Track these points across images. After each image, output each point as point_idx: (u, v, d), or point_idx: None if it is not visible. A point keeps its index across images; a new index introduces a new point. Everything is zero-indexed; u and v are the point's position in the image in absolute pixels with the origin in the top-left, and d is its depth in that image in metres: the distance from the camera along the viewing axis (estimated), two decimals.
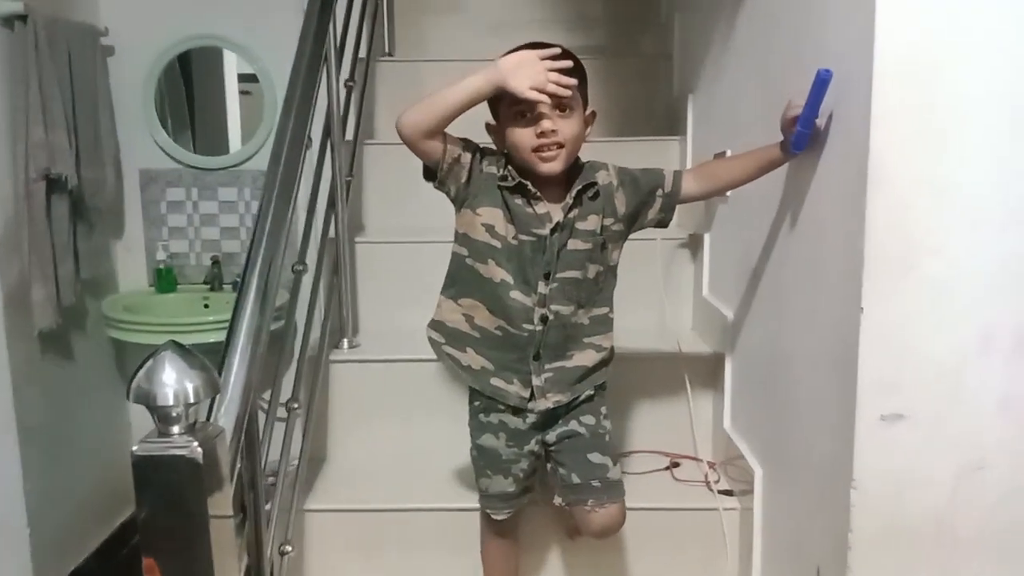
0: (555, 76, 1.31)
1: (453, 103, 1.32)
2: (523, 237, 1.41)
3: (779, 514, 1.52)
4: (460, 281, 1.48)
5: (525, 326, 1.44)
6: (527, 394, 1.47)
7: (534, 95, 1.30)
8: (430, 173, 1.42)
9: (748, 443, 1.69)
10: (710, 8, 2.03)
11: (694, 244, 2.15)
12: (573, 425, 1.50)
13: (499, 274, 1.43)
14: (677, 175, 1.50)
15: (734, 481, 1.74)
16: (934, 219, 1.11)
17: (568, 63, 1.34)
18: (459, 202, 1.44)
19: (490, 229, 1.42)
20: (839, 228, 1.20)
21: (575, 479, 1.49)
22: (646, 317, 2.11)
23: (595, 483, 1.49)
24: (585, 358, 1.49)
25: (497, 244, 1.42)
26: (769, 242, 1.54)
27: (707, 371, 1.91)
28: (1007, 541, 1.17)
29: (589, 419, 1.51)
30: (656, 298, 2.10)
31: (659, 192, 1.49)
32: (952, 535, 1.17)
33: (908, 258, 1.11)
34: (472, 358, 1.48)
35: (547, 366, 1.47)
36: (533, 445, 1.51)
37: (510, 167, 1.41)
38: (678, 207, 1.52)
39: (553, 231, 1.41)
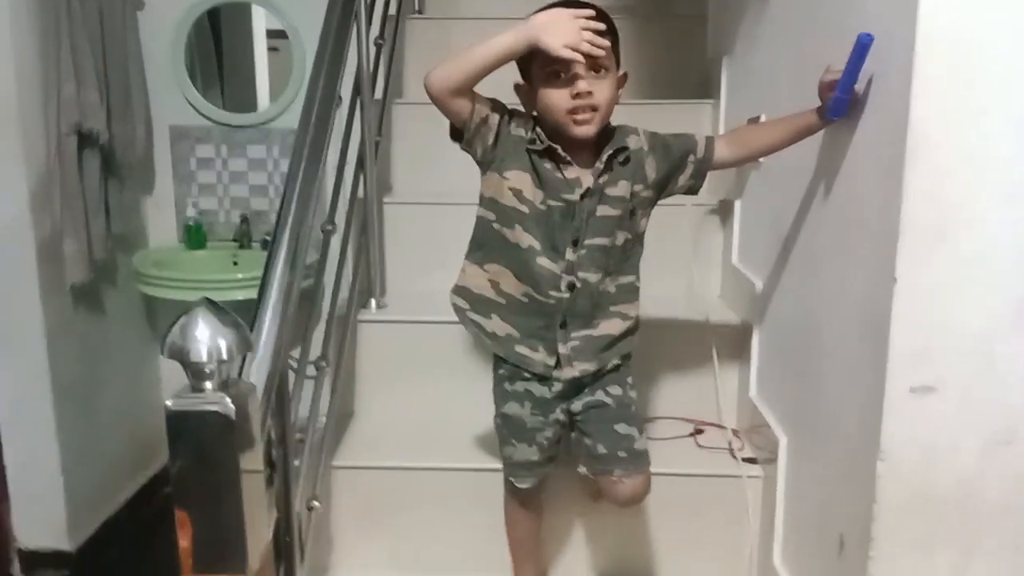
0: (589, 35, 1.28)
1: (483, 60, 1.31)
2: (552, 202, 1.40)
3: (803, 483, 1.52)
4: (486, 246, 1.46)
5: (552, 293, 1.43)
6: (552, 362, 1.47)
7: (568, 53, 1.27)
8: (457, 133, 1.41)
9: (773, 412, 1.68)
10: None
11: (724, 211, 2.13)
12: (599, 395, 1.50)
13: (526, 240, 1.41)
14: (709, 141, 1.48)
15: (758, 449, 1.75)
16: (971, 190, 1.09)
17: (601, 25, 1.31)
18: (485, 164, 1.43)
19: (518, 194, 1.40)
20: (875, 197, 1.18)
21: (601, 449, 1.49)
22: (674, 284, 2.10)
23: (621, 454, 1.49)
24: (611, 326, 1.48)
25: (525, 209, 1.40)
26: (802, 210, 1.52)
27: (734, 339, 1.90)
28: None
29: (616, 389, 1.51)
30: (684, 265, 2.08)
31: (691, 158, 1.47)
32: (978, 507, 1.16)
33: (943, 228, 1.10)
34: (497, 324, 1.48)
35: (573, 334, 1.46)
36: (559, 414, 1.51)
37: (539, 130, 1.39)
38: (709, 173, 1.51)
39: (583, 197, 1.39)
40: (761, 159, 1.79)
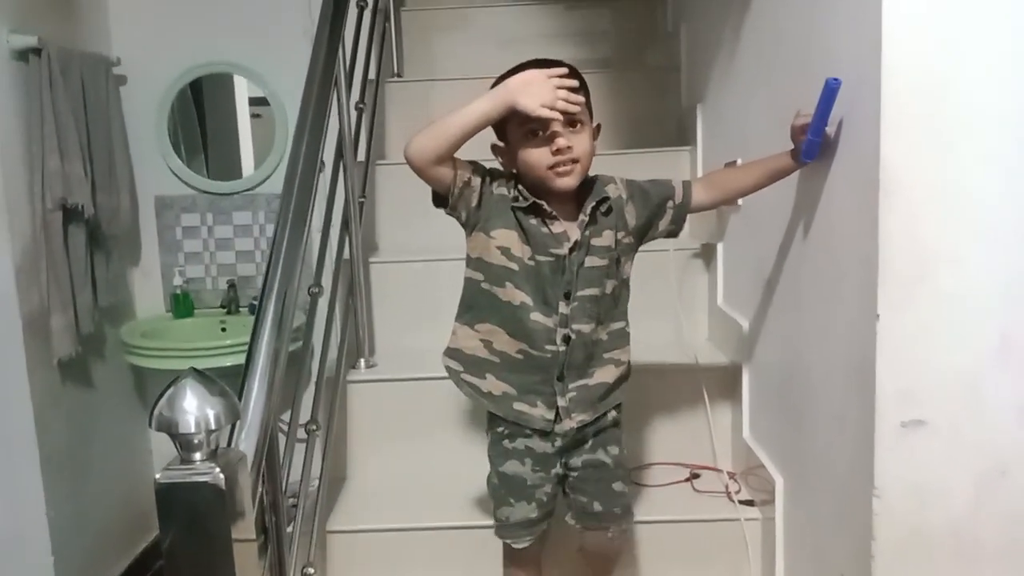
0: (564, 93, 1.30)
1: (462, 128, 1.31)
2: (540, 258, 1.40)
3: (801, 523, 1.51)
4: (476, 306, 1.46)
5: (548, 347, 1.43)
6: (551, 416, 1.46)
7: (547, 113, 1.29)
8: (440, 199, 1.41)
9: (768, 453, 1.68)
10: (716, 18, 2.03)
11: (707, 254, 2.15)
12: (600, 454, 1.50)
13: (518, 297, 1.41)
14: (687, 185, 1.51)
15: (755, 491, 1.74)
16: (947, 228, 1.11)
17: (575, 82, 1.34)
18: (471, 226, 1.43)
19: (506, 252, 1.41)
20: (852, 237, 1.20)
21: (598, 507, 1.49)
22: (662, 329, 2.10)
23: (616, 510, 1.50)
24: (606, 374, 1.48)
25: (514, 266, 1.41)
26: (783, 251, 1.54)
27: (725, 382, 1.91)
28: None
29: (614, 449, 1.51)
30: (671, 310, 2.09)
31: (669, 203, 1.50)
32: (974, 543, 1.16)
33: (922, 267, 1.11)
34: (493, 384, 1.47)
35: (570, 386, 1.45)
36: (558, 468, 1.51)
37: (520, 187, 1.41)
38: (690, 215, 1.53)
39: (572, 250, 1.40)
40: (740, 201, 1.82)
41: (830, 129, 1.27)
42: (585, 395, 1.47)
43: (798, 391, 1.49)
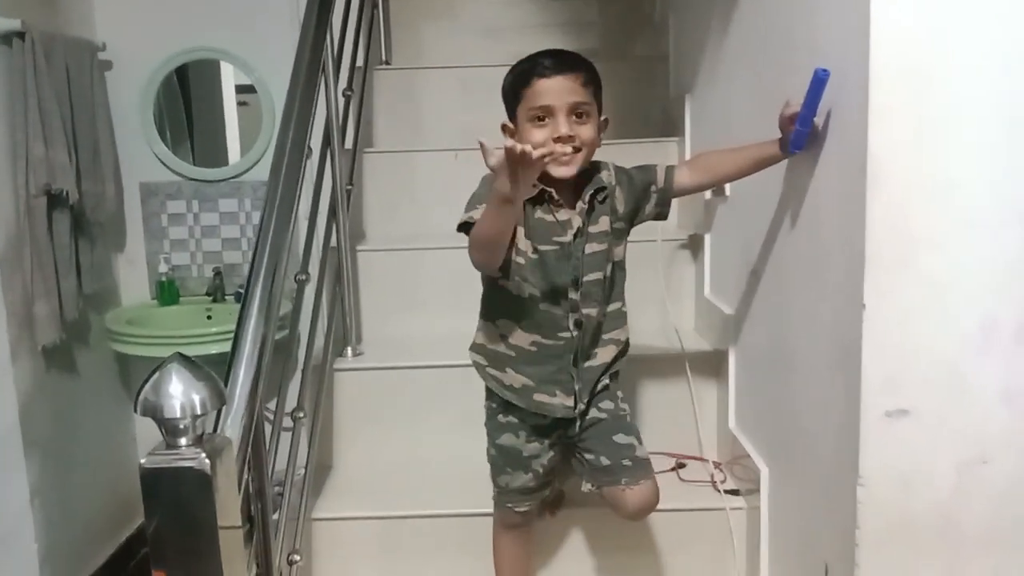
0: (531, 150, 1.20)
1: (501, 234, 1.32)
2: (543, 248, 1.43)
3: (786, 513, 1.52)
4: (492, 302, 1.50)
5: (561, 335, 1.46)
6: (571, 403, 1.48)
7: (539, 153, 1.20)
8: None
9: (753, 442, 1.69)
10: (704, 8, 2.03)
11: (695, 245, 2.16)
12: (593, 412, 1.52)
13: (526, 289, 1.44)
14: (669, 170, 1.53)
15: (740, 480, 1.75)
16: (932, 215, 1.12)
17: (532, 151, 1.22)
18: None
19: (515, 247, 1.43)
20: (839, 226, 1.21)
21: (604, 461, 1.50)
22: (648, 319, 2.11)
23: (626, 462, 1.50)
24: (606, 354, 1.52)
25: (521, 260, 1.44)
26: (769, 241, 1.54)
27: (711, 371, 1.92)
28: (1013, 534, 1.17)
29: (607, 404, 1.53)
30: (658, 299, 2.10)
31: (653, 188, 1.52)
32: (958, 529, 1.17)
33: (907, 254, 1.12)
34: (513, 377, 1.50)
35: (582, 368, 1.49)
36: (555, 439, 1.53)
37: None
38: (678, 206, 1.54)
39: (575, 236, 1.43)
40: (727, 191, 1.83)
41: (818, 119, 1.27)
42: (590, 376, 1.51)
43: (783, 381, 1.50)
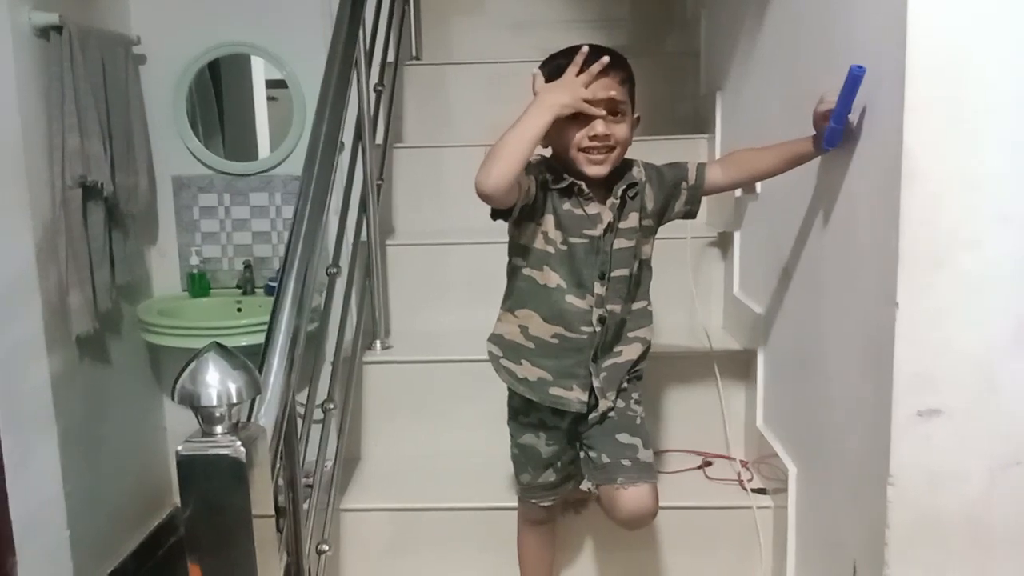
0: (593, 80, 1.32)
1: (529, 142, 1.29)
2: (572, 240, 1.42)
3: (813, 511, 1.51)
4: (517, 292, 1.49)
5: (584, 329, 1.45)
6: (586, 397, 1.48)
7: (586, 107, 1.31)
8: (500, 213, 1.41)
9: (781, 441, 1.68)
10: (737, 5, 2.02)
11: (724, 242, 2.15)
12: (602, 409, 1.51)
13: (554, 279, 1.44)
14: (700, 167, 1.52)
15: (767, 479, 1.74)
16: (967, 213, 1.10)
17: (604, 59, 1.33)
18: (518, 216, 1.42)
19: (544, 235, 1.43)
20: (873, 223, 1.20)
21: (604, 459, 1.48)
22: (677, 316, 2.10)
23: (625, 462, 1.46)
24: (632, 351, 1.51)
25: (551, 249, 1.43)
26: (801, 238, 1.53)
27: (739, 369, 1.91)
28: None
29: (619, 403, 1.51)
30: (687, 297, 2.09)
31: (684, 185, 1.52)
32: (989, 530, 1.16)
33: (942, 252, 1.11)
34: (528, 370, 1.49)
35: (603, 365, 1.49)
36: (572, 438, 1.53)
37: (555, 166, 1.43)
38: (707, 203, 1.53)
39: (606, 231, 1.43)
40: (758, 189, 1.82)
41: (853, 116, 1.26)
42: (614, 373, 1.50)
43: (813, 379, 1.49)
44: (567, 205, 1.43)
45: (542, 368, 1.48)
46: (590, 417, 1.50)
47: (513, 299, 1.50)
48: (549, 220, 1.43)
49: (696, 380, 1.92)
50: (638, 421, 1.52)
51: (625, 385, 1.52)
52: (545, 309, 1.45)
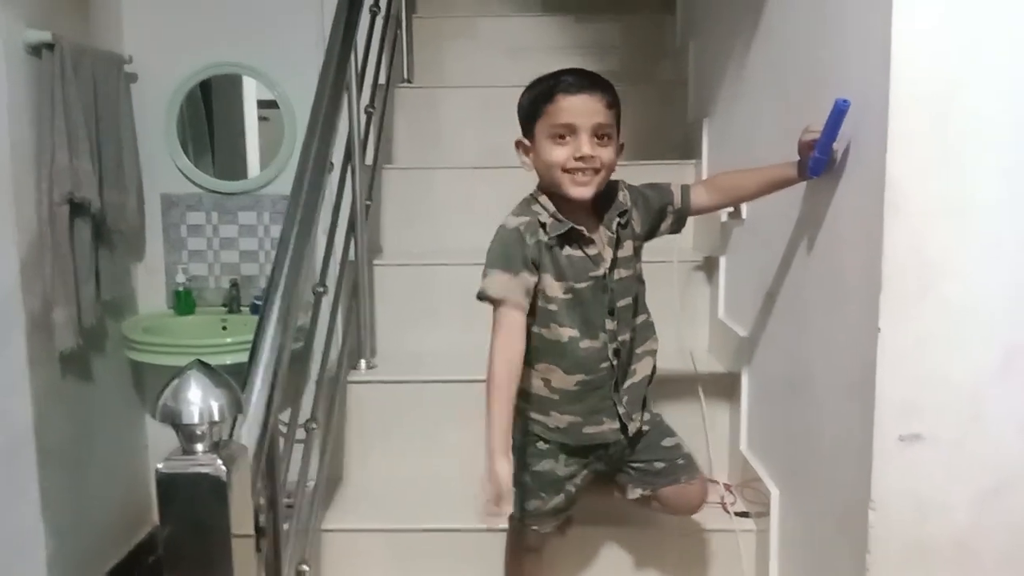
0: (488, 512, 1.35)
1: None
2: (578, 285, 1.43)
3: (796, 536, 1.51)
4: (533, 347, 1.47)
5: (602, 367, 1.46)
6: (618, 425, 1.49)
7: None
8: None
9: (764, 465, 1.68)
10: (725, 35, 2.05)
11: (709, 266, 2.16)
12: (633, 427, 1.52)
13: (565, 333, 1.44)
14: (685, 189, 1.54)
15: (750, 503, 1.74)
16: (951, 241, 1.12)
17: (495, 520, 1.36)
18: None
19: (543, 294, 1.43)
20: (857, 251, 1.21)
21: (659, 465, 1.53)
22: (662, 339, 2.07)
23: (680, 461, 1.54)
24: (645, 367, 1.54)
25: (553, 307, 1.43)
26: (785, 264, 1.55)
27: (723, 392, 1.91)
28: None
29: (645, 415, 1.54)
30: (672, 321, 2.09)
31: (669, 208, 1.54)
32: (973, 558, 1.17)
33: (925, 280, 1.12)
34: (558, 419, 1.49)
35: (623, 391, 1.50)
36: (592, 459, 1.53)
37: (543, 202, 1.43)
38: (693, 228, 1.55)
39: (610, 268, 1.44)
40: (743, 214, 1.83)
41: (837, 146, 1.28)
42: (635, 393, 1.52)
43: (797, 404, 1.50)
44: (568, 250, 1.42)
45: (571, 414, 1.48)
46: (625, 441, 1.51)
47: (531, 353, 1.46)
48: (547, 279, 1.42)
49: (681, 402, 1.92)
50: (664, 422, 1.58)
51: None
52: (564, 361, 1.46)
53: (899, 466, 1.15)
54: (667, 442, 1.55)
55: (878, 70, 1.12)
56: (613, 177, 1.48)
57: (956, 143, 1.11)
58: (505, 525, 1.43)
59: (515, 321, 1.38)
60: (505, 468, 1.32)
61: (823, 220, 1.35)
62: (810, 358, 1.43)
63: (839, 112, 1.23)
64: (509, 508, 1.33)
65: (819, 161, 1.29)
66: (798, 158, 1.36)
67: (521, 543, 1.62)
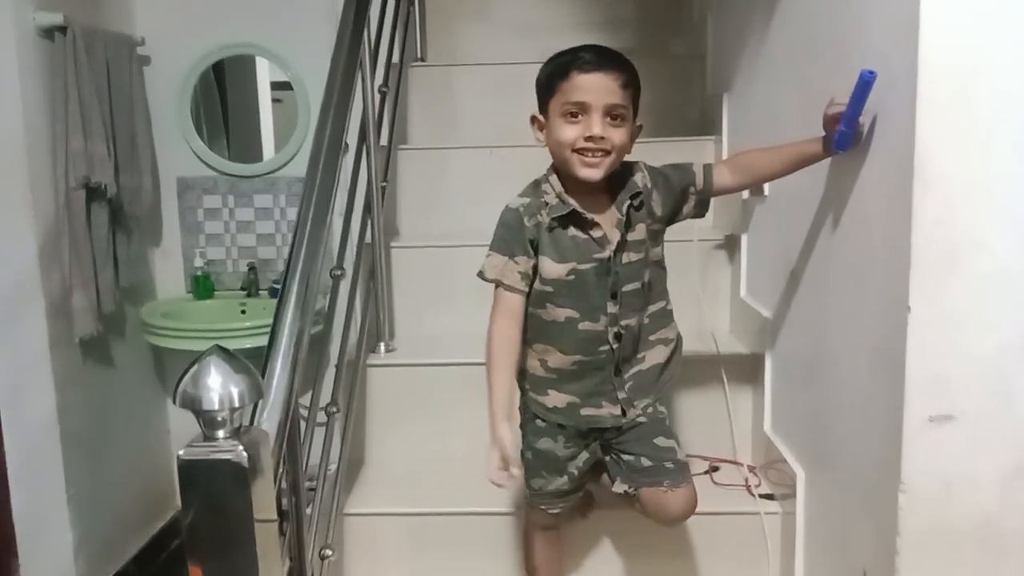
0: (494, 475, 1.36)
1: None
2: (581, 267, 1.41)
3: (822, 517, 1.49)
4: (530, 328, 1.46)
5: (601, 349, 1.44)
6: (618, 411, 1.47)
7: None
8: None
9: (789, 446, 1.66)
10: (744, 8, 2.01)
11: (731, 245, 2.13)
12: (631, 415, 1.50)
13: (561, 313, 1.43)
14: (707, 169, 1.49)
15: (775, 485, 1.72)
16: (981, 216, 1.09)
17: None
18: None
19: (539, 276, 1.42)
20: (885, 226, 1.18)
21: (646, 462, 1.48)
22: (683, 320, 2.04)
23: (668, 464, 1.48)
24: (657, 355, 1.50)
25: (549, 289, 1.42)
26: (810, 241, 1.52)
27: (746, 374, 1.89)
28: None
29: (648, 408, 1.51)
30: (693, 301, 2.07)
31: (692, 190, 1.49)
32: (1002, 538, 1.15)
33: (955, 256, 1.10)
34: (556, 398, 1.48)
35: (626, 376, 1.48)
36: (591, 441, 1.52)
37: (553, 182, 1.41)
38: (714, 206, 1.53)
39: (616, 251, 1.41)
40: (766, 191, 1.80)
41: (863, 119, 1.24)
42: (642, 380, 1.49)
43: (822, 384, 1.48)
44: (572, 231, 1.40)
45: (569, 393, 1.47)
46: (622, 426, 1.49)
47: (529, 334, 1.47)
48: (545, 261, 1.41)
49: (703, 384, 1.90)
50: (667, 423, 1.53)
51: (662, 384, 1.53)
52: (561, 342, 1.45)
53: (928, 447, 1.13)
54: (661, 442, 1.49)
55: (905, 40, 1.09)
56: (631, 157, 1.46)
57: (985, 116, 1.08)
58: (507, 486, 1.41)
59: (510, 302, 1.41)
60: (506, 431, 1.35)
61: (849, 196, 1.32)
62: (835, 337, 1.41)
63: (865, 84, 1.20)
64: (516, 471, 1.36)
65: (845, 135, 1.26)
66: (822, 133, 1.33)
67: (536, 522, 1.63)
